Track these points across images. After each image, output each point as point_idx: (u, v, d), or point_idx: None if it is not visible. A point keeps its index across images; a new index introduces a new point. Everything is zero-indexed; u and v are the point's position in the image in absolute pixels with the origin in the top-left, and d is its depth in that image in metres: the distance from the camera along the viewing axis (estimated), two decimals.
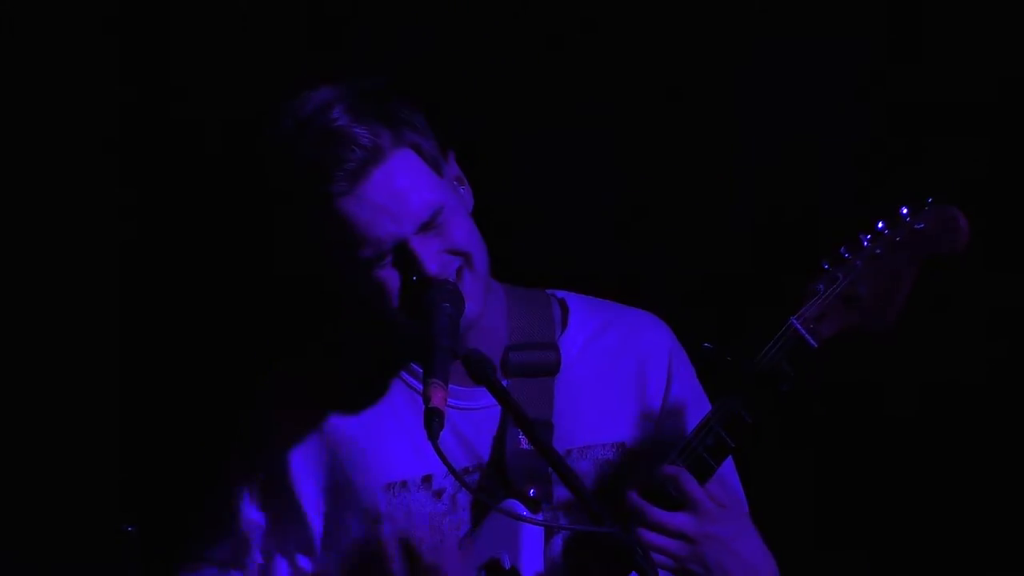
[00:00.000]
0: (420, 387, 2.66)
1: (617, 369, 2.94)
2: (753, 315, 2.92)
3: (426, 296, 2.70)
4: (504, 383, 2.76)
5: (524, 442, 2.83)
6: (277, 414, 2.93)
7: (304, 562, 2.94)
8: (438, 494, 2.86)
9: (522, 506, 2.79)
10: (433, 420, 2.51)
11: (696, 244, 3.83)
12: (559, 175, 3.83)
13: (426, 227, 2.72)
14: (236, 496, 2.94)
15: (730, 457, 2.79)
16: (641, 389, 2.92)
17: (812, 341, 2.68)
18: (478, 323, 2.79)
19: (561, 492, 2.82)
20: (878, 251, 2.68)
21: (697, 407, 2.86)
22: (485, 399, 2.79)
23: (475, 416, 2.87)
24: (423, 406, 2.54)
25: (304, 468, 2.90)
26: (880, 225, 2.70)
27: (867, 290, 2.69)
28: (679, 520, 2.68)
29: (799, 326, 2.68)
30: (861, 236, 2.70)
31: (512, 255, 2.99)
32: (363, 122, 2.71)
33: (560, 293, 3.01)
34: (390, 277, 2.72)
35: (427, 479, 2.85)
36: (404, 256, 2.72)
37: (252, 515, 2.94)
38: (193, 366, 3.81)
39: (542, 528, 2.80)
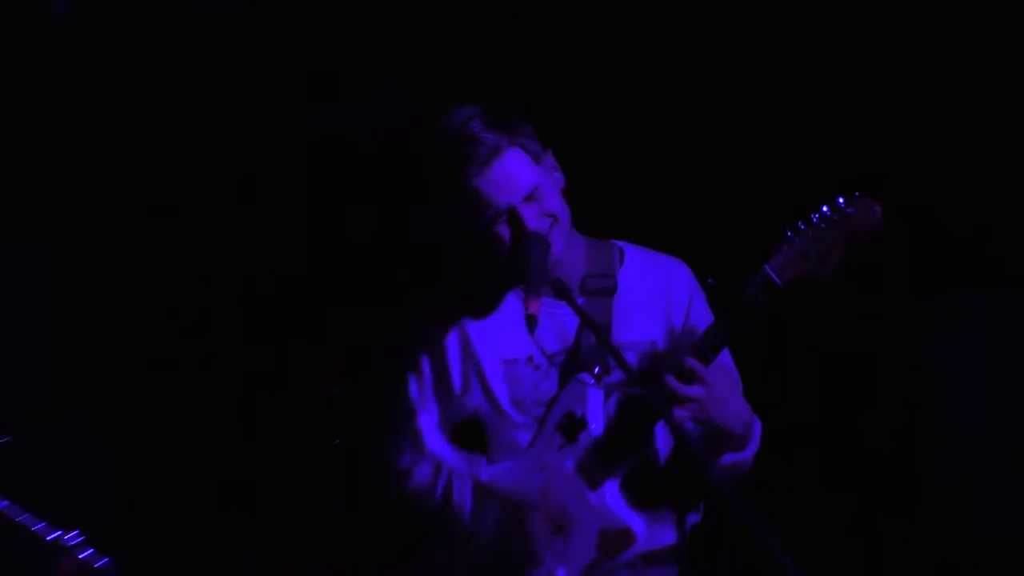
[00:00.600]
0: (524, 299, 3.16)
1: (654, 296, 3.43)
2: (741, 262, 3.22)
3: (526, 243, 3.27)
4: (580, 300, 3.30)
5: (591, 337, 3.34)
6: (434, 317, 3.45)
7: (445, 409, 3.41)
8: (537, 367, 3.38)
9: (590, 377, 3.33)
10: (532, 321, 3.16)
11: (711, 213, 4.37)
12: (622, 162, 4.37)
13: (528, 198, 3.30)
14: (415, 367, 3.43)
15: (727, 350, 3.25)
16: (669, 310, 3.42)
17: (778, 281, 3.15)
18: (562, 261, 3.33)
19: (616, 372, 3.35)
20: (823, 225, 3.14)
21: (705, 323, 3.31)
22: (566, 309, 3.29)
23: (560, 319, 3.38)
24: (525, 312, 3.17)
25: (451, 347, 3.43)
26: (824, 208, 3.17)
27: (814, 252, 3.14)
28: (693, 389, 3.18)
29: (770, 271, 3.16)
30: (812, 214, 3.17)
31: (590, 216, 3.46)
32: (490, 130, 3.30)
33: (620, 243, 3.51)
34: (504, 231, 3.32)
35: (530, 358, 3.40)
36: (513, 217, 3.30)
37: (425, 375, 3.44)
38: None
39: (602, 391, 3.32)
